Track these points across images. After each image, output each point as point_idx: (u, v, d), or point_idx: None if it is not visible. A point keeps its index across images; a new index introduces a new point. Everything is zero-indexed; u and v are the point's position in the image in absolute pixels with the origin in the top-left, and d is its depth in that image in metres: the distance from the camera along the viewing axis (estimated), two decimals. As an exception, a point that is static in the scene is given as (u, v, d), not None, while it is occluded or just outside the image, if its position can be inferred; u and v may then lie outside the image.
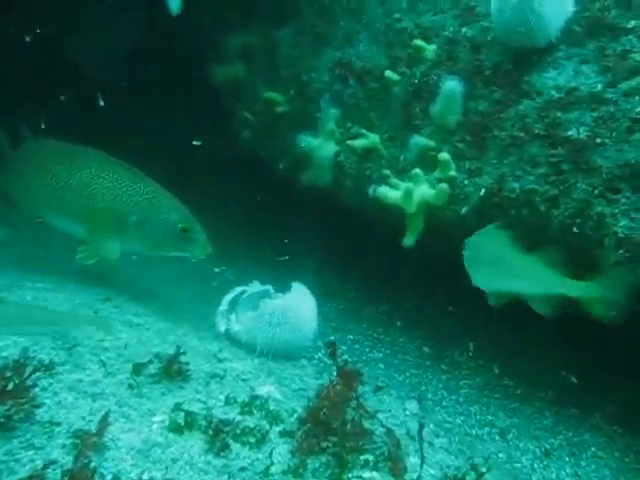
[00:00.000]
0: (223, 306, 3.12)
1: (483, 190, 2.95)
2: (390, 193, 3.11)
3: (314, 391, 2.75)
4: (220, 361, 2.89)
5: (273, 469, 2.20)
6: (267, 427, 2.42)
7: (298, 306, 3.04)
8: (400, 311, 4.12)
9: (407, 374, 3.47)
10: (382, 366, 3.48)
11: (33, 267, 3.43)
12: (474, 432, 3.07)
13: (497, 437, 3.09)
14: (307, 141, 3.66)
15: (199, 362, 2.81)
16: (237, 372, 2.81)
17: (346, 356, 3.46)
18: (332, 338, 3.52)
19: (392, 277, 4.17)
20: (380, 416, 2.74)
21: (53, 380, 2.41)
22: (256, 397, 2.60)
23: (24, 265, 3.45)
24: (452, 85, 3.10)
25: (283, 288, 3.30)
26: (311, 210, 4.15)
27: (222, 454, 2.23)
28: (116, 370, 2.56)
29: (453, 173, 3.10)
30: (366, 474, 2.28)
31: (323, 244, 4.33)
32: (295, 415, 2.55)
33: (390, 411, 2.90)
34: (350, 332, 3.79)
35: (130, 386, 2.48)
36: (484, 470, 2.51)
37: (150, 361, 2.60)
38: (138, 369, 2.56)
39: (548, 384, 3.71)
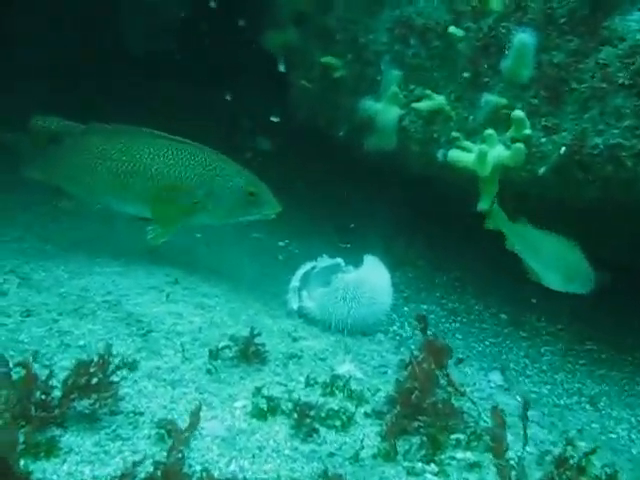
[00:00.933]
0: (294, 282, 3.03)
1: (563, 148, 2.76)
2: (462, 156, 2.95)
3: (395, 367, 2.70)
4: (295, 340, 2.81)
5: (363, 453, 2.11)
6: (352, 409, 2.33)
7: (372, 279, 2.94)
8: (473, 278, 3.97)
9: (486, 343, 3.34)
10: (460, 336, 3.36)
11: (98, 250, 3.39)
12: (562, 402, 2.94)
13: (588, 406, 2.95)
14: (369, 106, 3.52)
15: (275, 342, 2.73)
16: (314, 351, 2.73)
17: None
18: (405, 309, 3.39)
19: (463, 243, 4.02)
20: (466, 390, 2.64)
21: (132, 370, 2.36)
22: (337, 377, 2.51)
23: (89, 248, 3.41)
24: (523, 37, 2.91)
25: (353, 261, 3.20)
26: (375, 178, 4.02)
27: (309, 439, 2.15)
28: (193, 355, 2.49)
29: (528, 131, 2.93)
30: (459, 454, 2.18)
31: (389, 212, 4.20)
32: (379, 394, 2.46)
33: (475, 384, 2.78)
34: (423, 302, 3.67)
35: (208, 371, 2.41)
36: (582, 444, 2.40)
37: (226, 345, 2.53)
38: (215, 353, 2.49)
39: (634, 347, 3.56)
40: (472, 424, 2.34)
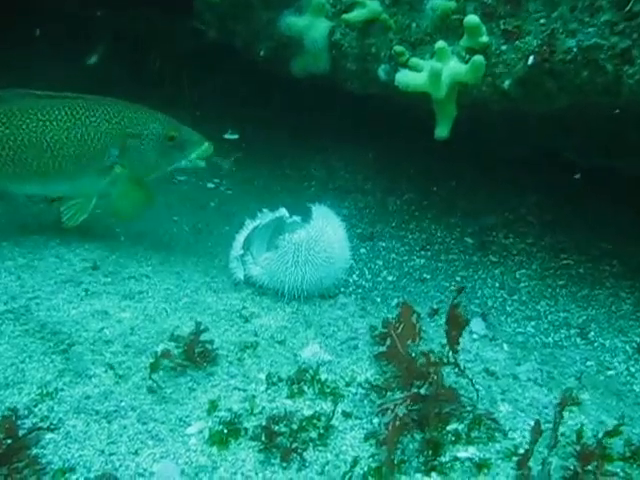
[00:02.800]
0: (236, 250, 2.58)
1: (531, 58, 2.32)
2: (413, 78, 2.48)
3: (366, 338, 2.34)
4: (246, 320, 2.41)
5: (354, 474, 1.75)
6: (327, 409, 1.97)
7: (325, 235, 2.51)
8: (427, 198, 3.58)
9: (457, 279, 2.99)
10: (427, 275, 3.00)
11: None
12: (551, 339, 2.64)
13: (578, 340, 2.67)
14: (291, 22, 2.98)
15: (223, 329, 2.33)
16: (270, 332, 2.34)
17: (385, 273, 2.97)
18: (362, 251, 3.00)
19: (411, 162, 3.63)
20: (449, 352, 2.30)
21: (54, 402, 1.92)
22: (302, 366, 2.14)
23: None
24: None
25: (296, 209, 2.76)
26: (306, 98, 3.52)
27: (284, 465, 1.78)
28: (128, 370, 2.07)
29: (485, 39, 2.48)
30: (461, 452, 1.85)
31: (325, 135, 3.75)
32: (356, 382, 2.09)
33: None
34: (380, 237, 3.27)
35: (150, 390, 2.00)
36: (585, 396, 2.12)
37: (167, 349, 2.11)
38: (155, 363, 2.06)
39: (608, 253, 3.28)
40: (468, 405, 2.00)
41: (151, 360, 2.07)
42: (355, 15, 2.86)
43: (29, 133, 2.61)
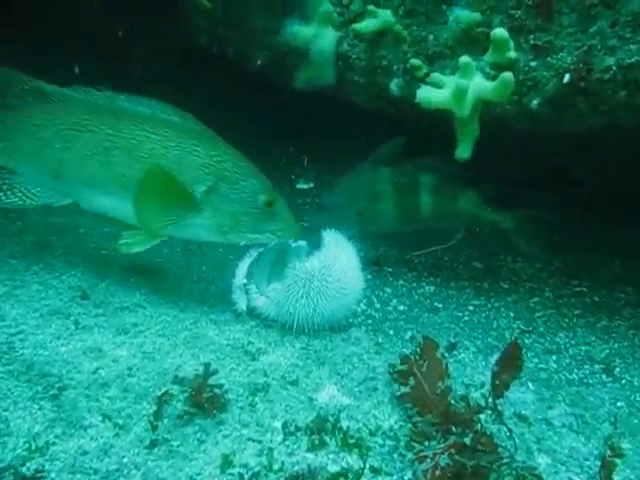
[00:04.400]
0: (239, 279, 2.36)
1: (567, 76, 2.15)
2: (435, 95, 2.29)
3: (384, 377, 2.14)
4: (254, 357, 2.19)
5: None
6: (353, 464, 1.77)
7: (338, 263, 2.30)
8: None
9: (470, 308, 2.82)
10: (439, 304, 2.81)
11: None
12: (575, 376, 2.47)
13: (604, 376, 2.50)
14: (296, 32, 2.77)
15: (229, 367, 2.12)
16: (281, 372, 2.13)
17: (394, 301, 2.78)
18: (368, 276, 2.78)
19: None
20: (474, 392, 2.12)
21: (45, 459, 1.69)
22: (320, 412, 1.93)
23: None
24: None
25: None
26: (306, 111, 3.32)
27: (313, 537, 1.57)
28: (128, 419, 1.84)
29: (513, 54, 2.30)
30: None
31: (324, 148, 3.56)
32: (380, 431, 1.89)
33: (478, 377, 2.24)
34: (385, 260, 3.08)
35: (154, 443, 1.77)
36: (627, 446, 1.95)
37: (171, 393, 1.88)
38: (158, 412, 1.83)
39: (619, 279, 3.14)
40: (506, 457, 1.82)
41: (154, 407, 1.85)
42: (366, 26, 2.67)
43: (129, 139, 2.33)
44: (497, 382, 1.83)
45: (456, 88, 2.27)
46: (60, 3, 4.03)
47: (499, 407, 1.89)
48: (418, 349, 2.00)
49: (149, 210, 2.31)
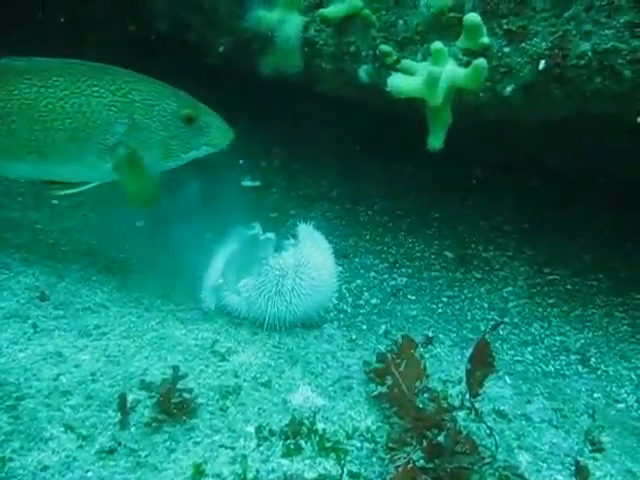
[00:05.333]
0: (213, 279, 2.27)
1: (542, 62, 2.09)
2: (407, 83, 2.21)
3: (359, 376, 2.07)
4: (223, 358, 2.11)
5: None
6: (331, 469, 1.70)
7: (313, 259, 2.22)
8: (400, 206, 3.34)
9: (444, 300, 2.77)
10: (412, 296, 2.75)
11: None
12: (552, 367, 2.44)
13: (580, 367, 2.47)
14: (260, 17, 2.66)
15: (198, 369, 2.03)
16: (252, 372, 2.05)
17: (367, 294, 2.71)
18: (339, 269, 2.70)
19: (381, 166, 3.39)
20: (451, 389, 2.08)
21: (1, 478, 1.58)
22: (295, 415, 1.85)
23: None
24: None
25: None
26: (268, 96, 3.22)
27: None
28: (92, 429, 1.74)
29: (486, 40, 2.23)
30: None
31: (287, 138, 3.47)
32: (357, 432, 1.83)
33: (455, 372, 2.19)
34: (356, 253, 3.01)
35: (121, 454, 1.67)
36: (606, 439, 1.93)
37: (137, 399, 1.79)
38: (124, 420, 1.74)
39: (591, 265, 3.11)
40: (487, 457, 1.77)
41: (119, 415, 1.76)
42: (333, 10, 2.57)
43: (21, 100, 2.19)
44: (471, 380, 1.78)
45: (428, 75, 2.20)
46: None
47: (477, 405, 1.83)
48: (395, 347, 1.93)
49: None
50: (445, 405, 1.79)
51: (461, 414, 1.88)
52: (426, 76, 2.20)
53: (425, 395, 1.86)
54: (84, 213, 2.88)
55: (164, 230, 2.77)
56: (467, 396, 1.81)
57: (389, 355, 1.94)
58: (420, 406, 1.77)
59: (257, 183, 3.34)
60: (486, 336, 1.73)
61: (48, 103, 2.20)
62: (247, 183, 3.38)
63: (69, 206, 2.90)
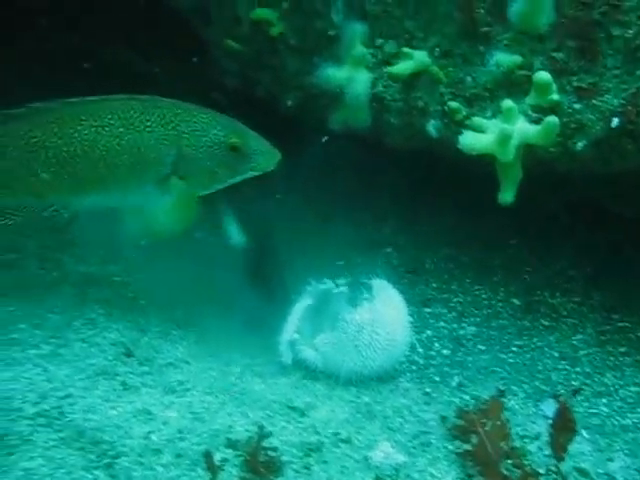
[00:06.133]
0: (289, 334, 2.33)
1: (615, 120, 2.12)
2: (478, 141, 2.27)
3: (439, 432, 2.09)
4: (303, 413, 2.16)
5: None
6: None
7: (388, 316, 2.27)
8: (466, 254, 3.37)
9: (514, 349, 2.78)
10: (482, 346, 2.76)
11: (7, 314, 2.54)
12: (629, 421, 2.43)
13: (660, 421, 2.43)
14: (331, 75, 2.76)
15: (280, 425, 2.08)
16: (332, 428, 2.10)
17: (437, 345, 2.74)
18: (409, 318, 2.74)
19: (449, 214, 3.42)
20: (529, 444, 2.08)
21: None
22: (377, 473, 1.89)
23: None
24: (539, -27, 2.19)
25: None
26: (335, 146, 3.29)
27: None
28: (184, 488, 1.79)
29: (556, 97, 2.26)
30: None
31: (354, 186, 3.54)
32: (444, 491, 1.85)
33: (531, 427, 2.20)
34: (423, 300, 3.04)
35: (213, 514, 1.72)
36: None
37: (225, 458, 1.85)
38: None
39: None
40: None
41: (209, 475, 1.81)
42: (401, 68, 2.65)
43: (82, 142, 2.31)
44: (556, 445, 1.79)
45: (500, 133, 2.24)
46: (84, 39, 4.06)
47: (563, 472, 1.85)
48: (478, 405, 1.96)
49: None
50: (529, 470, 1.80)
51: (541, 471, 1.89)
52: (498, 134, 2.25)
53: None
54: (159, 266, 2.98)
55: (236, 284, 2.85)
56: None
57: (474, 415, 1.96)
58: (505, 472, 1.79)
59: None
60: (566, 399, 1.74)
61: (106, 142, 2.32)
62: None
63: (145, 259, 3.00)
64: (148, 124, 2.33)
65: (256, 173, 2.45)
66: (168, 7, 3.53)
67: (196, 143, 2.35)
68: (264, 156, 2.41)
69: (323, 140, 3.05)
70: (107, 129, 2.33)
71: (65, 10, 3.97)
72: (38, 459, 1.84)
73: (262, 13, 3.06)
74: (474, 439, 1.89)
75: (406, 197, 3.48)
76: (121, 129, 2.33)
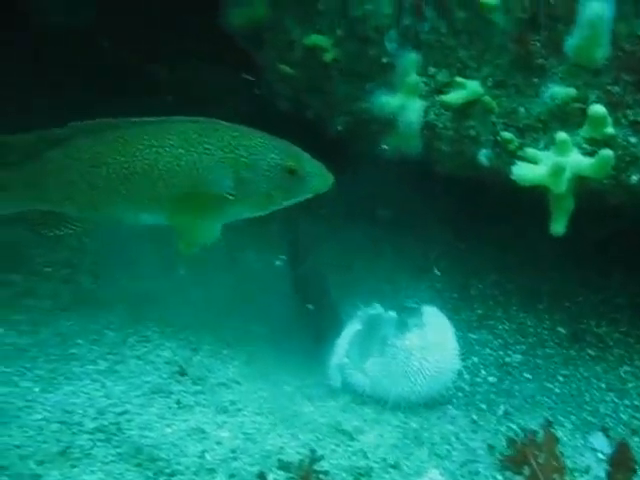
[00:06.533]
0: (339, 358, 2.37)
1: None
2: (531, 172, 2.29)
3: (486, 461, 2.11)
4: (352, 437, 2.19)
5: None
6: None
7: (437, 343, 2.30)
8: (511, 280, 3.37)
9: (560, 379, 2.77)
10: (529, 375, 2.77)
11: (65, 328, 2.62)
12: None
13: None
14: (384, 102, 2.80)
15: (329, 448, 2.12)
16: (381, 453, 2.13)
17: (483, 372, 2.75)
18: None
19: (495, 241, 3.44)
20: (579, 478, 2.08)
21: None
22: (427, 500, 1.91)
23: (54, 324, 2.63)
24: (597, 8, 2.22)
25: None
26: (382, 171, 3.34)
27: None
28: (239, 507, 1.84)
29: (611, 130, 2.28)
30: None
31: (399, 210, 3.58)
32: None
33: (580, 461, 2.20)
34: (469, 326, 3.06)
35: (266, 536, 1.76)
36: None
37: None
38: (267, 501, 1.84)
39: None
40: None
41: (262, 494, 1.86)
42: (454, 97, 2.69)
43: (142, 161, 2.39)
44: (613, 483, 1.80)
45: (554, 165, 2.27)
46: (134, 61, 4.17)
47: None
48: (531, 437, 1.97)
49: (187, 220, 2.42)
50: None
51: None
52: (551, 166, 2.27)
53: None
54: (210, 285, 3.04)
55: (284, 304, 2.90)
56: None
57: (527, 448, 1.97)
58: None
59: None
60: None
61: (166, 163, 2.38)
62: None
63: (195, 277, 3.07)
64: (207, 146, 2.39)
65: (310, 195, 2.50)
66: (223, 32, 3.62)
67: (253, 166, 2.40)
68: (318, 179, 2.46)
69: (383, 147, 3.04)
70: (167, 150, 2.39)
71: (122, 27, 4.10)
72: (98, 473, 1.90)
73: (316, 39, 3.12)
74: (526, 471, 1.90)
75: (453, 223, 3.50)
76: (181, 150, 2.39)
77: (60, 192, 2.45)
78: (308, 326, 2.78)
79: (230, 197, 2.41)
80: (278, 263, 3.37)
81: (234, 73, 3.92)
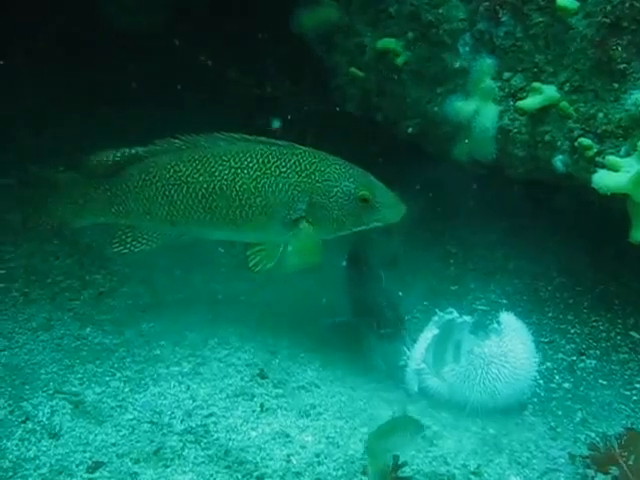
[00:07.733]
0: (417, 363, 2.40)
1: None
2: (613, 180, 2.28)
3: (567, 470, 2.12)
4: (431, 442, 2.22)
5: None
6: None
7: (515, 350, 2.31)
8: (580, 283, 3.35)
9: (637, 385, 2.76)
10: (604, 381, 2.76)
11: (151, 329, 2.72)
12: None
13: None
14: (458, 108, 2.81)
15: (409, 453, 2.13)
16: (461, 460, 2.15)
17: (558, 378, 2.75)
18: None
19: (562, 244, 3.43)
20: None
21: None
22: (511, 510, 1.93)
23: (138, 326, 2.73)
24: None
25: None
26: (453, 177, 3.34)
27: None
28: (326, 511, 1.89)
29: (696, 138, 2.25)
30: None
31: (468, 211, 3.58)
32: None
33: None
34: (542, 332, 3.04)
35: (355, 540, 1.81)
36: None
37: (361, 485, 1.93)
38: (354, 506, 1.89)
39: None
40: None
41: (349, 499, 1.90)
42: (530, 103, 2.68)
43: (221, 181, 2.47)
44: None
45: (637, 173, 2.25)
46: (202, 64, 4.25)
47: None
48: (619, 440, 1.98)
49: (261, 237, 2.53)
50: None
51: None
52: (634, 174, 2.25)
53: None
54: (283, 288, 3.09)
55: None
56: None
57: (615, 448, 1.98)
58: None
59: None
60: None
61: (243, 183, 2.47)
62: None
63: (267, 279, 3.13)
64: (284, 170, 2.47)
65: (380, 224, 2.55)
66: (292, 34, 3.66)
67: (327, 192, 2.48)
68: (390, 210, 2.52)
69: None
70: (245, 171, 2.48)
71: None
72: (190, 474, 1.98)
73: (388, 43, 3.14)
74: (615, 471, 1.91)
75: (521, 225, 3.49)
76: (258, 173, 2.47)
77: (140, 207, 2.54)
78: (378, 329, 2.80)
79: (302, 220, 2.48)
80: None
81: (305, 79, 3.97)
